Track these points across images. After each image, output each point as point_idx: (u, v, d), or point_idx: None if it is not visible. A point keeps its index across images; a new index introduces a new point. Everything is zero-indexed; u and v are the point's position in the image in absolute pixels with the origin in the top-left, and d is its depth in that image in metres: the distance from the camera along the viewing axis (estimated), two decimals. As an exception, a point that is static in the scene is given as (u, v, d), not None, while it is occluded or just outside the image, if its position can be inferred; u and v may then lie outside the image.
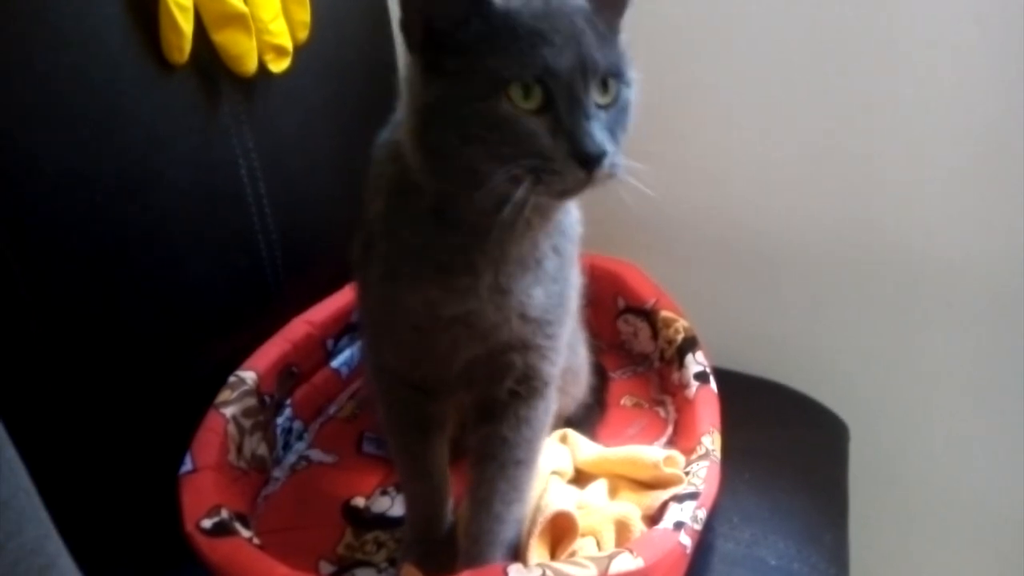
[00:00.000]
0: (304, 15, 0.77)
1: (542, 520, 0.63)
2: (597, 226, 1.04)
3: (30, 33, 0.58)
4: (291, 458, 0.82)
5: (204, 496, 0.64)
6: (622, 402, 0.90)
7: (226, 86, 0.75)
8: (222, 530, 0.61)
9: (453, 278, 0.57)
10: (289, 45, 0.76)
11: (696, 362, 0.83)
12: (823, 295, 1.01)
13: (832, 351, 1.02)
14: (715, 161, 1.00)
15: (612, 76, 0.52)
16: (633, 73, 0.55)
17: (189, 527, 0.61)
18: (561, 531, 0.65)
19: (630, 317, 0.94)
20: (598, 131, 0.50)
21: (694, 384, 0.81)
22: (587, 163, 0.50)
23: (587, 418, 0.85)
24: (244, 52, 0.72)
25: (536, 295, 0.59)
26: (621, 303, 0.95)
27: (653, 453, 0.72)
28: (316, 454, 0.83)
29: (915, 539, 1.08)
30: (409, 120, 0.54)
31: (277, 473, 0.79)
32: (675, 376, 0.86)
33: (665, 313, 0.89)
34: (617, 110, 0.53)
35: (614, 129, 0.52)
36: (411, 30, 0.52)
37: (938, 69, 0.87)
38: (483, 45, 0.50)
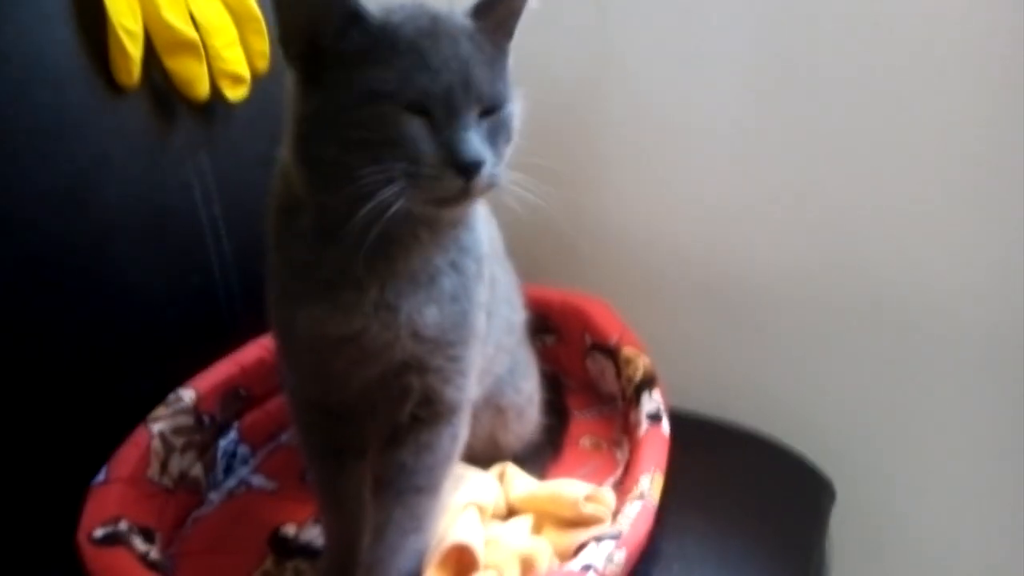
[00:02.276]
0: (262, 45, 0.80)
1: (439, 552, 0.60)
2: (574, 263, 1.04)
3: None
4: (231, 482, 0.81)
5: (106, 507, 0.64)
6: (580, 443, 0.86)
7: (183, 110, 0.77)
8: (111, 540, 0.60)
9: (338, 294, 0.56)
10: (246, 73, 0.79)
11: (651, 400, 0.79)
12: (811, 342, 0.94)
13: (821, 402, 0.95)
14: (698, 200, 0.97)
15: (495, 103, 0.52)
16: (516, 99, 0.55)
17: (80, 536, 0.60)
18: (463, 565, 0.61)
19: (597, 355, 0.91)
20: (476, 141, 0.50)
21: (645, 424, 0.77)
22: (464, 171, 0.50)
23: (536, 457, 0.81)
24: (195, 78, 0.75)
25: (429, 313, 0.57)
26: (588, 340, 0.91)
27: (575, 490, 0.68)
28: (258, 480, 0.82)
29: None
30: (289, 134, 0.54)
31: (213, 496, 0.78)
32: (632, 416, 0.81)
33: (627, 350, 0.86)
34: (499, 122, 0.53)
35: (495, 140, 0.52)
36: (289, 43, 0.52)
37: (928, 107, 0.83)
38: (362, 58, 0.51)
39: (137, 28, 0.70)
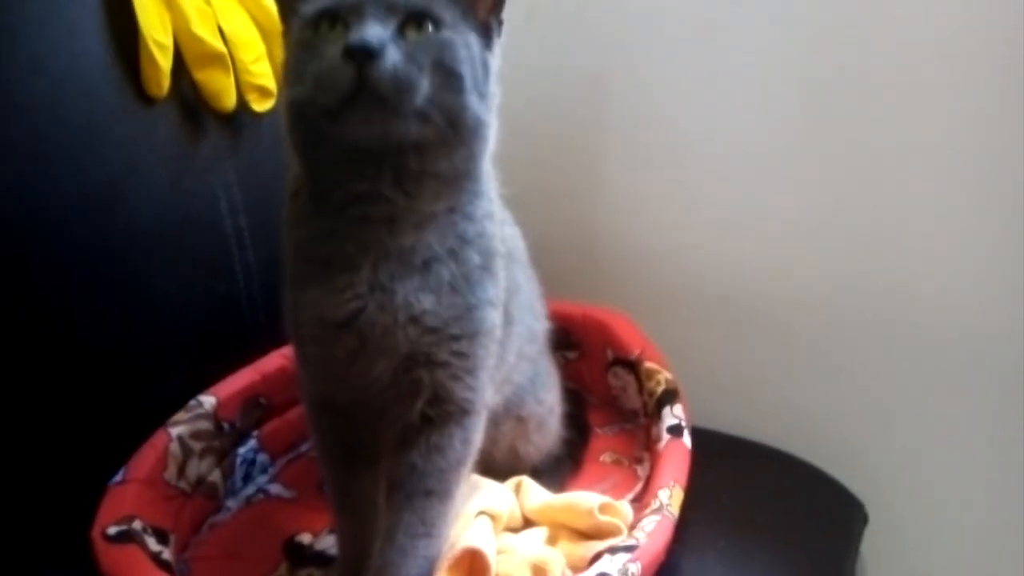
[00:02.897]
0: (290, 59, 0.82)
1: (450, 555, 0.59)
2: (596, 279, 1.03)
3: (3, 58, 0.63)
4: (249, 490, 0.81)
5: (121, 506, 0.64)
6: (601, 459, 0.84)
7: (211, 122, 0.79)
8: (124, 538, 0.61)
9: (333, 275, 0.56)
10: (272, 86, 0.80)
11: (672, 415, 0.78)
12: (839, 359, 0.92)
13: (852, 422, 0.92)
14: (720, 214, 0.96)
15: (413, 9, 0.52)
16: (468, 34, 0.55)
17: (94, 532, 0.61)
18: (475, 571, 0.60)
19: (619, 370, 0.90)
20: (373, 30, 0.50)
21: (665, 437, 0.75)
22: (351, 53, 0.49)
23: (555, 471, 0.80)
24: (222, 90, 0.77)
25: (425, 301, 0.57)
26: (610, 354, 0.90)
27: (589, 500, 0.66)
28: (276, 488, 0.82)
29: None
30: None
31: (230, 503, 0.79)
32: (653, 430, 0.80)
33: (648, 364, 0.84)
34: (429, 43, 0.52)
35: (419, 56, 0.51)
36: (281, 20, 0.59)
37: (951, 122, 0.81)
38: (303, 2, 0.54)
39: (167, 41, 0.72)
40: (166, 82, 0.73)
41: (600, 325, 0.91)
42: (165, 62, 0.72)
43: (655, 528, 0.64)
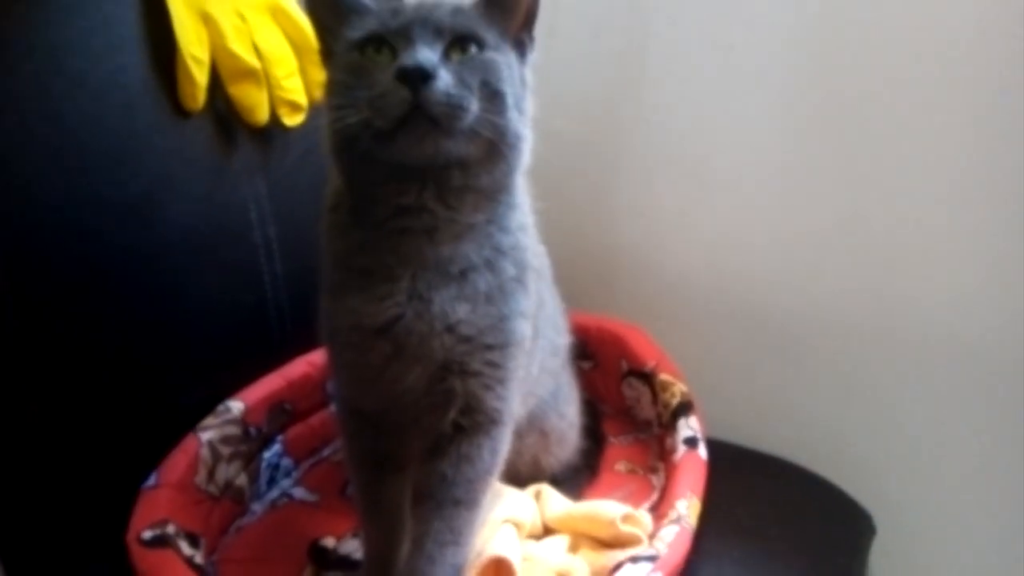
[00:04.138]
0: (320, 75, 0.83)
1: (478, 563, 0.61)
2: (612, 291, 1.05)
3: (49, 72, 0.66)
4: (273, 493, 0.83)
5: (155, 510, 0.66)
6: (616, 467, 0.86)
7: (243, 135, 0.81)
8: (159, 542, 0.62)
9: (373, 284, 0.58)
10: (304, 102, 0.83)
11: (688, 427, 0.80)
12: (850, 373, 0.94)
13: (861, 435, 0.94)
14: (736, 228, 0.98)
15: (459, 32, 0.55)
16: (508, 53, 0.58)
17: (129, 537, 0.63)
18: (500, 580, 0.62)
19: (633, 381, 0.92)
20: (425, 54, 0.53)
21: (681, 449, 0.77)
22: (405, 77, 0.52)
23: (573, 480, 0.82)
24: (256, 104, 0.79)
25: (461, 310, 0.59)
26: (624, 366, 0.92)
27: (612, 509, 0.68)
28: (300, 492, 0.84)
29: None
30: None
31: (256, 507, 0.80)
32: (668, 441, 0.82)
33: (663, 376, 0.86)
34: (475, 64, 0.55)
35: (468, 78, 0.54)
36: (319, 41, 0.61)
37: (968, 139, 0.83)
38: (349, 23, 0.57)
39: (204, 56, 0.74)
40: (202, 96, 0.75)
41: (615, 337, 0.93)
42: (202, 77, 0.74)
43: (675, 538, 0.66)
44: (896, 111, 0.85)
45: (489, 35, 0.56)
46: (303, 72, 0.82)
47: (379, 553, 0.68)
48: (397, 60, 0.53)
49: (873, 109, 0.86)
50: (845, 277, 0.92)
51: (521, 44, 0.61)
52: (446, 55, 0.54)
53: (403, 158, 0.55)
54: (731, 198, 0.97)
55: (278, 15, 0.81)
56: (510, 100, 0.56)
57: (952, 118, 0.83)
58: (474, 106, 0.53)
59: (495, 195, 0.59)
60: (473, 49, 0.55)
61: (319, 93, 0.84)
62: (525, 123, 0.59)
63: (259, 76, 0.78)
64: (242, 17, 0.77)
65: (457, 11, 0.56)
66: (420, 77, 0.51)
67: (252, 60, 0.77)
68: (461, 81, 0.53)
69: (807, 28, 0.88)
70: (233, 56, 0.76)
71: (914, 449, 0.91)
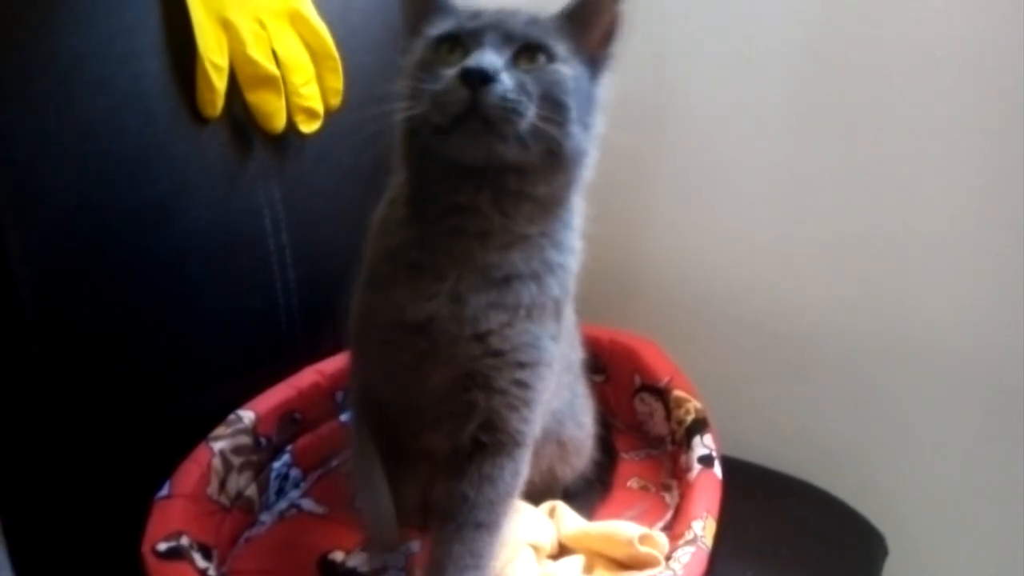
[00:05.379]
0: (336, 83, 0.83)
1: (496, 586, 0.60)
2: (625, 305, 1.04)
3: (71, 78, 0.65)
4: (282, 504, 0.82)
5: (169, 521, 0.65)
6: (629, 484, 0.86)
7: (258, 141, 0.81)
8: (174, 555, 0.62)
9: (421, 280, 0.59)
10: (320, 108, 0.82)
11: (703, 445, 0.79)
12: (866, 394, 0.94)
13: (874, 455, 0.94)
14: (751, 242, 0.98)
15: (527, 40, 0.56)
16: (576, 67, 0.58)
17: (144, 548, 0.62)
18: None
19: (646, 396, 0.91)
20: (489, 57, 0.53)
21: (696, 467, 0.77)
22: (467, 77, 0.52)
23: (586, 494, 0.81)
24: (273, 111, 0.78)
25: (495, 320, 0.58)
26: (638, 380, 0.92)
27: (629, 530, 0.67)
28: (308, 503, 0.83)
29: None
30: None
31: (264, 517, 0.80)
32: (682, 459, 0.81)
33: (678, 392, 0.86)
34: (540, 74, 0.55)
35: (529, 87, 0.54)
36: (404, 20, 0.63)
37: (981, 148, 0.83)
38: (429, 22, 0.59)
39: (224, 63, 0.74)
40: (221, 103, 0.74)
41: (628, 351, 0.93)
42: (221, 83, 0.74)
43: (691, 560, 0.65)
44: (913, 128, 0.85)
45: (560, 47, 0.57)
46: (319, 79, 0.82)
47: (379, 512, 0.66)
48: (464, 61, 0.54)
49: (891, 126, 0.86)
50: (860, 297, 0.92)
51: (597, 61, 0.61)
52: (513, 62, 0.55)
53: (457, 156, 0.56)
54: (747, 214, 0.97)
55: (297, 21, 0.80)
56: (573, 114, 0.56)
57: (969, 140, 0.83)
58: (530, 113, 0.53)
59: (551, 207, 0.59)
60: (542, 59, 0.56)
61: (335, 100, 0.84)
62: (589, 139, 0.59)
63: (277, 83, 0.77)
64: (261, 23, 0.77)
65: (532, 21, 0.57)
66: (480, 79, 0.52)
67: (271, 67, 0.77)
68: (521, 87, 0.53)
69: (827, 47, 0.88)
70: (252, 63, 0.75)
71: (928, 470, 0.91)
